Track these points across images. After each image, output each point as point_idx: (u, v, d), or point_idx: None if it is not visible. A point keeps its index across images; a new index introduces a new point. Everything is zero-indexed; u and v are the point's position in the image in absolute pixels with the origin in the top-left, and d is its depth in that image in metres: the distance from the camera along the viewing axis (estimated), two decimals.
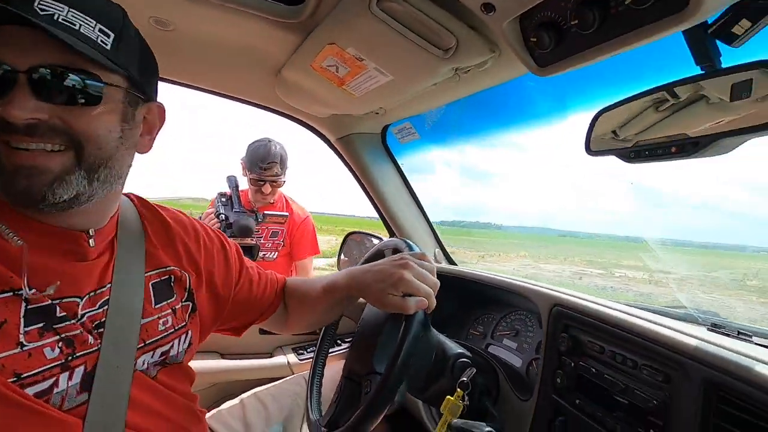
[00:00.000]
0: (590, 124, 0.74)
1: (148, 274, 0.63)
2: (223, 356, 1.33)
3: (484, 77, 0.84)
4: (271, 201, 1.89)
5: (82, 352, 0.53)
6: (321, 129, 1.26)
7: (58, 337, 0.51)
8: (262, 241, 1.92)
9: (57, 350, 0.51)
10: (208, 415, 0.94)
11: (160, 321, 0.63)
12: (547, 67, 0.60)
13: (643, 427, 0.58)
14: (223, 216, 1.54)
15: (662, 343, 0.57)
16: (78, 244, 0.56)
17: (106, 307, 0.57)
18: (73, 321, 0.53)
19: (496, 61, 0.74)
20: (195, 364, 1.24)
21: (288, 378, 1.21)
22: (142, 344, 0.59)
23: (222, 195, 1.63)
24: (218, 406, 1.05)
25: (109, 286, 0.58)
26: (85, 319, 0.55)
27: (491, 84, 0.88)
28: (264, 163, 1.76)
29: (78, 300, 0.55)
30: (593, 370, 0.69)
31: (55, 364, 0.50)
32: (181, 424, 0.65)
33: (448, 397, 0.82)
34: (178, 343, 0.65)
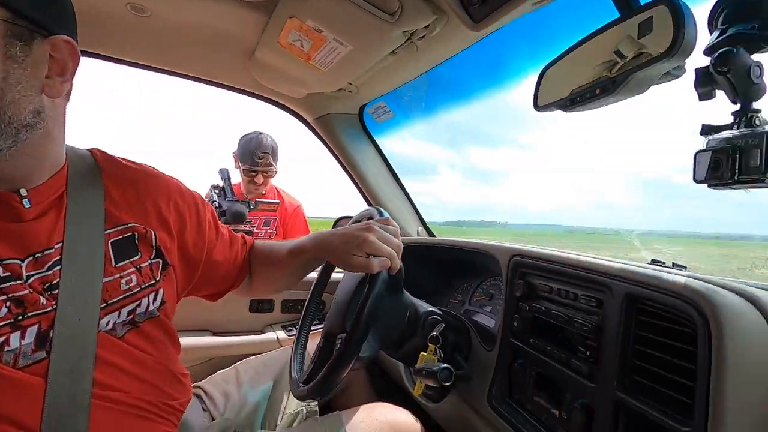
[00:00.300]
0: (536, 82, 0.78)
1: (108, 231, 0.61)
2: (214, 335, 1.39)
3: (439, 47, 0.89)
4: (264, 192, 1.96)
5: (33, 312, 0.53)
6: (298, 110, 1.31)
7: (5, 296, 0.51)
8: (255, 230, 1.99)
9: (5, 310, 0.51)
10: (202, 381, 0.99)
11: (123, 280, 0.61)
12: (482, 22, 0.64)
13: (583, 352, 0.62)
14: (217, 204, 1.61)
15: (594, 270, 0.61)
16: (8, 205, 0.54)
17: (58, 267, 0.55)
18: (19, 282, 0.52)
19: (445, 28, 0.79)
20: (187, 341, 1.30)
21: (279, 349, 1.25)
22: (104, 304, 0.58)
23: (215, 187, 1.70)
24: None
25: (59, 246, 0.57)
26: (32, 280, 0.54)
27: (448, 54, 0.93)
28: (256, 154, 1.83)
29: (19, 262, 0.53)
30: (543, 308, 0.73)
31: (4, 323, 0.50)
32: (156, 384, 0.64)
33: (422, 353, 0.87)
34: (147, 302, 0.64)
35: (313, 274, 0.98)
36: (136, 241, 0.64)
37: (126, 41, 1.04)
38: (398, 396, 1.15)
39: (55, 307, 0.54)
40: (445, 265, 1.31)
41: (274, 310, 1.46)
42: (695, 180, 0.58)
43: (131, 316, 0.62)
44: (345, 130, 1.35)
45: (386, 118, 1.36)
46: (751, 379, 0.41)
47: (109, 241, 0.61)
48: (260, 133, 1.89)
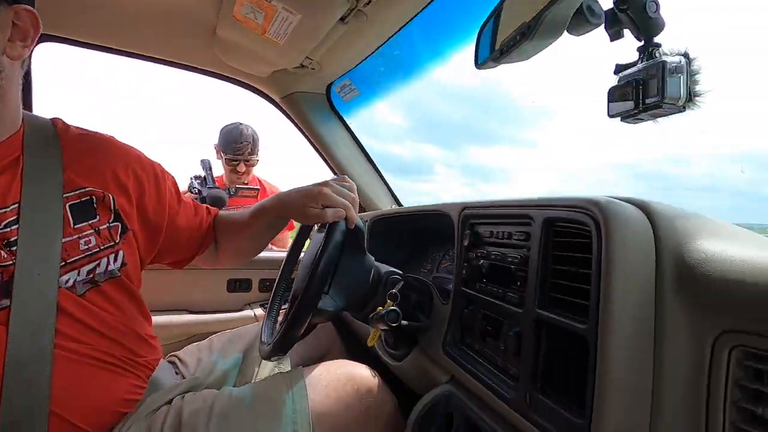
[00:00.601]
0: (475, 42, 0.82)
1: (66, 195, 0.64)
2: (192, 313, 1.42)
3: (389, 14, 0.93)
4: (246, 181, 2.00)
5: None
6: (263, 89, 1.35)
7: None
8: None
9: None
10: (177, 351, 1.02)
11: (81, 241, 0.64)
12: None
13: (515, 283, 0.66)
14: (197, 190, 1.65)
15: (521, 205, 0.65)
16: None
17: (15, 226, 0.59)
18: None
19: None
20: (165, 319, 1.33)
21: (255, 323, 1.29)
22: (63, 263, 0.61)
23: (196, 177, 1.74)
24: None
25: (15, 205, 0.60)
26: None
27: (399, 22, 0.97)
28: (237, 143, 1.88)
29: None
30: (485, 252, 0.77)
31: None
32: (120, 341, 0.68)
33: (379, 307, 0.91)
34: (107, 262, 0.67)
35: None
36: (95, 205, 0.67)
37: (89, 23, 1.07)
38: (371, 363, 1.19)
39: (14, 261, 0.57)
40: (414, 236, 1.35)
41: (252, 289, 1.49)
42: (609, 115, 0.63)
43: (91, 275, 0.65)
44: (312, 109, 1.39)
45: (353, 96, 1.39)
46: (634, 277, 0.45)
47: (67, 204, 0.64)
48: (240, 124, 1.94)
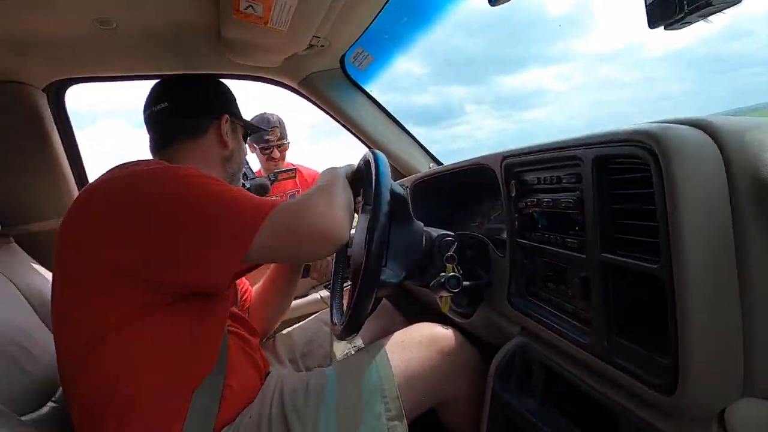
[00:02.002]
0: None
1: None
2: None
3: None
4: (281, 166, 2.06)
5: None
6: (279, 78, 1.34)
7: None
8: None
9: None
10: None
11: None
12: None
13: (573, 228, 0.64)
14: (242, 183, 1.73)
15: (566, 147, 0.61)
16: None
17: None
18: None
19: None
20: None
21: (317, 313, 1.35)
22: None
23: None
24: None
25: None
26: None
27: None
28: (266, 131, 1.94)
29: None
30: (536, 200, 0.74)
31: None
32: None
33: (441, 273, 0.91)
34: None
35: None
36: None
37: (102, 58, 1.11)
38: (440, 321, 1.22)
39: None
40: (458, 192, 1.32)
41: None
42: (650, 26, 0.56)
43: None
44: (330, 85, 1.37)
45: (368, 62, 1.35)
46: (704, 206, 0.41)
47: None
48: (264, 113, 2.00)
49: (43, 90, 1.20)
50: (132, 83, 1.24)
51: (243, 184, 1.74)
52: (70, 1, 0.90)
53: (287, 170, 1.90)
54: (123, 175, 0.70)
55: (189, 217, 0.63)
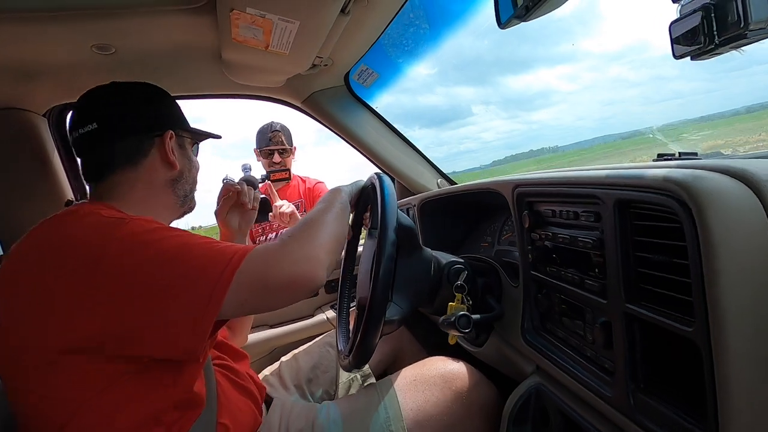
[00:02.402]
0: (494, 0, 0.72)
1: None
2: (271, 327, 1.48)
3: None
4: None
5: None
6: (283, 97, 1.31)
7: None
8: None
9: None
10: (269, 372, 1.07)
11: None
12: None
13: (592, 269, 0.59)
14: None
15: (585, 183, 0.57)
16: None
17: None
18: None
19: None
20: (250, 337, 1.40)
21: (323, 335, 1.31)
22: None
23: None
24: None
25: None
26: None
27: None
28: (267, 134, 1.93)
29: None
30: (551, 234, 0.70)
31: None
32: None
33: (450, 303, 0.87)
34: None
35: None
36: None
37: (102, 82, 1.08)
38: (451, 348, 1.17)
39: None
40: (470, 211, 1.28)
41: (319, 292, 1.52)
42: (675, 56, 0.52)
43: None
44: (335, 103, 1.34)
45: (373, 79, 1.32)
46: (746, 265, 0.37)
47: None
48: (271, 121, 1.99)
49: (43, 115, 1.18)
50: None
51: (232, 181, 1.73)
52: (68, 30, 0.88)
53: (280, 170, 1.89)
54: (56, 237, 0.57)
55: (144, 287, 0.53)
